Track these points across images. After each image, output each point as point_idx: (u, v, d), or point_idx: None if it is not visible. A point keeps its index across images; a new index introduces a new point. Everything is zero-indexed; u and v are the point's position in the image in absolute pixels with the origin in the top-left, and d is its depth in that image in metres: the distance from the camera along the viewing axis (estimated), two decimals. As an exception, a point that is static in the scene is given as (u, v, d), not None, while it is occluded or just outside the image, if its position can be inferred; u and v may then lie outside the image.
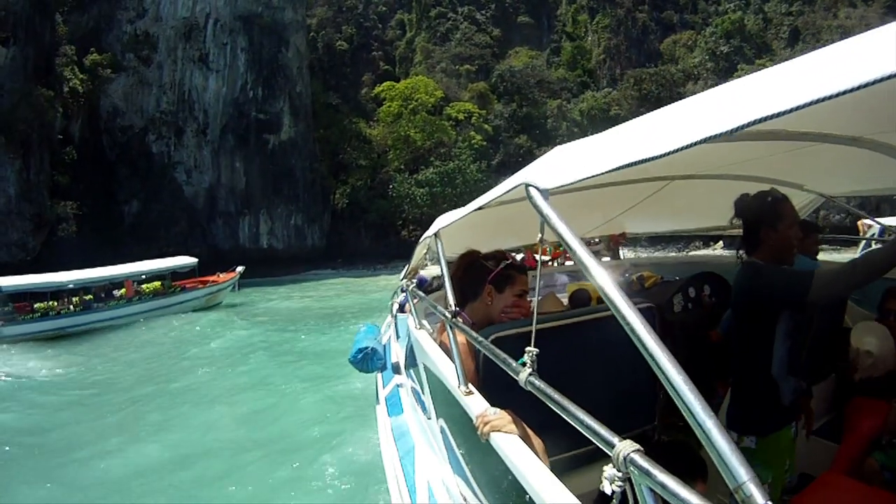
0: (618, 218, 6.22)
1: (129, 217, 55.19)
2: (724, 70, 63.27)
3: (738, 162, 3.54)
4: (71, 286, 26.73)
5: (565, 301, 5.43)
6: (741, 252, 3.29)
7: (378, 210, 65.32)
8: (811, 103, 1.06)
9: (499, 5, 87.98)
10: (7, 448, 11.52)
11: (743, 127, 1.19)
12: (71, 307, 26.87)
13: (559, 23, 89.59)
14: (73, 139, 52.23)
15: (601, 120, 65.86)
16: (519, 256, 9.00)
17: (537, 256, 9.35)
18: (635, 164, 1.50)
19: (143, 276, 29.97)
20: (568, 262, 10.50)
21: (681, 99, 1.81)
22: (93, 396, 15.13)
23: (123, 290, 28.71)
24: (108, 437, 11.77)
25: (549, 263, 10.94)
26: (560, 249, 11.60)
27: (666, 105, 1.81)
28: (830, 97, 1.03)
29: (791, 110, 1.09)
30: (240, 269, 35.92)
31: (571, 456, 2.65)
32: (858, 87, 0.99)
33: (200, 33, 59.74)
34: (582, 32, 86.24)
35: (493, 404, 2.29)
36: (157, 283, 30.07)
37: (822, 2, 70.23)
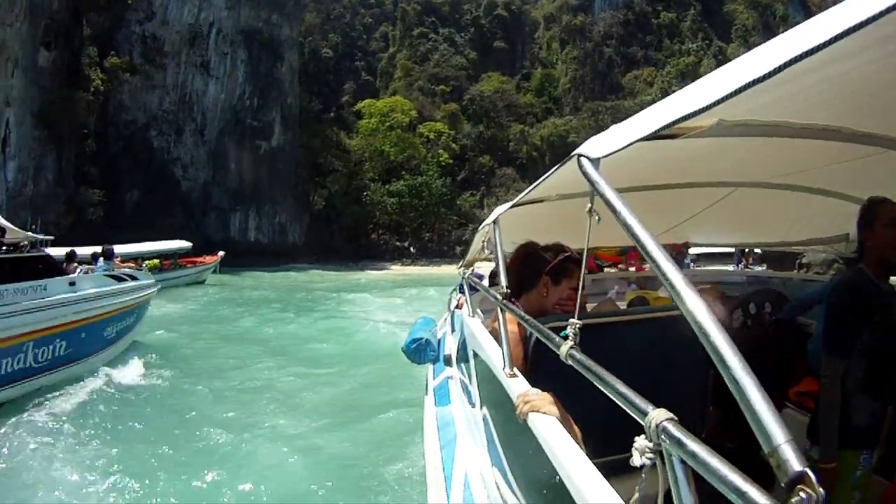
0: (681, 226, 6.11)
1: (129, 205, 62.36)
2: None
3: (808, 169, 3.43)
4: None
5: (624, 307, 5.72)
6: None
7: (352, 214, 74.97)
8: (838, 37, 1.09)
9: (477, 29, 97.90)
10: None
11: (781, 68, 1.21)
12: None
13: (536, 45, 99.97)
14: (90, 133, 61.09)
15: (559, 146, 75.63)
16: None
17: (598, 261, 11.37)
18: (683, 119, 1.54)
19: (157, 253, 38.65)
20: (631, 269, 11.08)
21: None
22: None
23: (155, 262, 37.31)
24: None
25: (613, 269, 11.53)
26: (620, 256, 12.21)
27: None
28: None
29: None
30: (221, 253, 44.71)
31: (606, 462, 2.19)
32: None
33: (204, 41, 69.01)
34: (554, 59, 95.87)
35: None
36: (156, 261, 37.82)
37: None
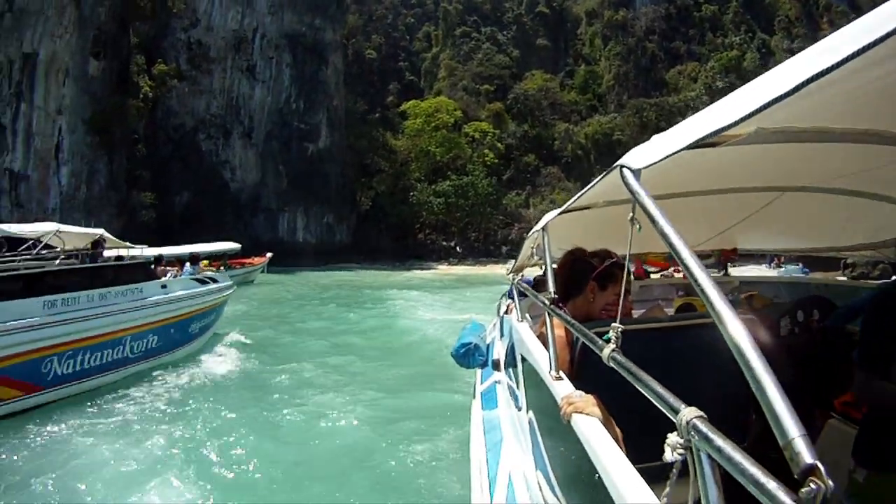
0: (728, 232, 6.11)
1: (179, 207, 64.13)
2: (717, 105, 72.46)
3: (853, 172, 3.30)
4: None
5: (671, 314, 5.62)
6: None
7: (399, 214, 75.51)
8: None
9: (519, 27, 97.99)
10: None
11: (817, 77, 1.23)
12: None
13: (579, 42, 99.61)
14: (140, 138, 63.02)
15: (604, 144, 75.97)
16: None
17: (646, 267, 12.44)
18: (721, 130, 1.57)
19: (207, 254, 38.05)
20: (677, 275, 10.89)
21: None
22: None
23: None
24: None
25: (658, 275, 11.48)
26: (667, 261, 12.23)
27: None
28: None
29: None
30: (269, 254, 45.59)
31: (645, 467, 2.09)
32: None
33: (249, 46, 70.23)
34: (597, 56, 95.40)
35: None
36: (205, 262, 36.69)
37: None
